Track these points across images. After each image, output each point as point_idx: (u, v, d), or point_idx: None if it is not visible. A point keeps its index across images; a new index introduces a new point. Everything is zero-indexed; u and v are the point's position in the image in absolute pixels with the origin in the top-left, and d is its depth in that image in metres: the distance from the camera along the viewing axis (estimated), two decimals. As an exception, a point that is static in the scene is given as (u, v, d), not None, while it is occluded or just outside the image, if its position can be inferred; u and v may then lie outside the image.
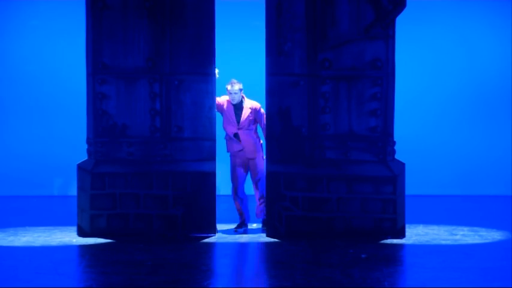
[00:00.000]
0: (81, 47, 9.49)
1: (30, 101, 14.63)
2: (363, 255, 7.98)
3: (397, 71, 9.24)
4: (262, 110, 9.83)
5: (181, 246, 8.63)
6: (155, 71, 9.33)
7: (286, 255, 8.21)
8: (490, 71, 14.53)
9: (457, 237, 9.31)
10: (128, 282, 6.71)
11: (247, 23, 13.91)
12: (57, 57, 14.48)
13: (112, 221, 9.37)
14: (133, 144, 9.37)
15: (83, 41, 9.37)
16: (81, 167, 9.41)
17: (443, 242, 8.94)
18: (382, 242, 8.94)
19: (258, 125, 9.93)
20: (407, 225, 9.45)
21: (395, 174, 9.19)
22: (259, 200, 9.82)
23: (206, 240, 9.13)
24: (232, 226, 9.92)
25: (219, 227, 9.62)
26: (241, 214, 9.90)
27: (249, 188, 10.04)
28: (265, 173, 9.52)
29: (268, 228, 9.32)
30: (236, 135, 9.80)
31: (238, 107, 9.80)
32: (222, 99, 9.78)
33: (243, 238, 9.34)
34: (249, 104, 9.81)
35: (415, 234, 9.49)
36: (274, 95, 9.25)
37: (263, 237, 9.27)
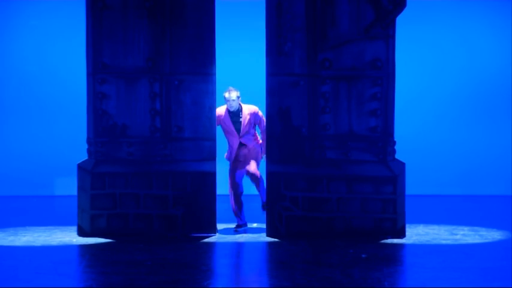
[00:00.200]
0: (81, 47, 9.49)
1: (31, 101, 14.63)
2: (363, 255, 7.99)
3: (397, 71, 9.25)
4: (261, 113, 9.84)
5: (181, 246, 8.63)
6: (155, 71, 9.33)
7: (286, 255, 8.21)
8: (490, 71, 14.53)
9: (458, 237, 9.31)
10: (128, 282, 6.71)
11: (247, 23, 13.90)
12: (57, 57, 14.48)
13: (112, 221, 9.37)
14: (134, 144, 9.37)
15: (83, 41, 9.37)
16: (81, 167, 9.41)
17: (444, 242, 8.94)
18: (382, 242, 8.94)
19: (257, 127, 9.94)
20: (407, 225, 9.44)
21: (395, 174, 9.19)
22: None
23: (206, 240, 9.13)
24: (232, 226, 9.92)
25: (219, 226, 9.62)
26: (238, 216, 9.88)
27: (249, 188, 10.04)
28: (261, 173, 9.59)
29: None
30: (241, 144, 9.81)
31: (236, 115, 9.79)
32: (219, 111, 9.75)
33: (243, 238, 9.34)
34: (247, 110, 9.81)
35: (416, 234, 9.49)
36: (274, 95, 9.25)
37: (263, 237, 9.27)
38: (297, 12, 9.18)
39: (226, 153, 9.95)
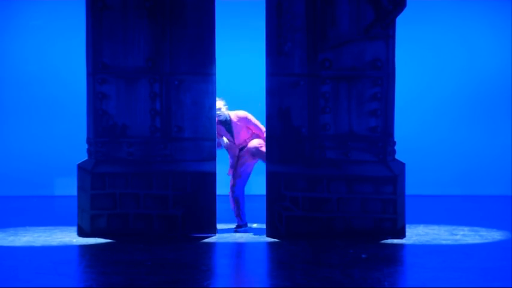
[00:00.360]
0: (82, 47, 9.49)
1: (31, 101, 14.64)
2: (363, 255, 7.99)
3: (397, 71, 9.24)
4: (249, 116, 9.80)
5: (182, 246, 8.63)
6: (155, 71, 9.33)
7: (286, 255, 8.21)
8: (490, 71, 14.53)
9: (458, 237, 9.31)
10: (128, 282, 6.71)
11: (247, 23, 13.91)
12: (58, 57, 14.49)
13: (112, 221, 9.37)
14: (134, 144, 9.37)
15: (83, 41, 9.37)
16: (81, 167, 9.41)
17: (444, 242, 8.94)
18: (383, 242, 8.94)
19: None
20: (407, 225, 9.44)
21: (395, 174, 9.19)
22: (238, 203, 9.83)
23: (206, 240, 9.13)
24: (233, 226, 9.91)
25: (219, 227, 9.62)
26: (238, 216, 9.87)
27: (249, 188, 10.04)
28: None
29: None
30: (242, 149, 9.80)
31: (227, 124, 9.75)
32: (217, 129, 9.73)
33: (243, 238, 9.34)
34: (235, 117, 9.74)
35: (416, 234, 9.49)
36: (274, 95, 9.25)
37: (263, 237, 9.27)
38: (297, 12, 9.18)
39: (228, 171, 9.89)
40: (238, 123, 9.77)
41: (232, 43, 13.63)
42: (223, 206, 10.19)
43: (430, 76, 14.59)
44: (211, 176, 9.35)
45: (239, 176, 9.80)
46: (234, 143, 9.79)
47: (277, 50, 9.22)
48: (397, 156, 9.29)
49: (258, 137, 9.83)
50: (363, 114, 9.19)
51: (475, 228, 10.00)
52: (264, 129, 9.72)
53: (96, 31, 9.29)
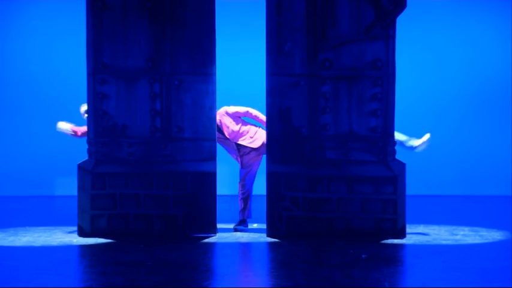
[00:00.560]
0: (82, 47, 9.49)
1: (31, 101, 14.64)
2: (363, 256, 7.98)
3: (398, 71, 9.24)
4: (230, 109, 9.75)
5: (182, 247, 8.63)
6: (155, 71, 9.33)
7: (286, 255, 8.21)
8: (491, 71, 14.54)
9: (458, 237, 9.31)
10: (128, 283, 6.71)
11: (247, 22, 13.91)
12: (58, 57, 14.49)
13: (112, 221, 9.37)
14: (134, 145, 9.37)
15: (83, 41, 9.37)
16: (81, 167, 9.41)
17: (444, 242, 8.94)
18: (383, 242, 8.94)
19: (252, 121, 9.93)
20: (407, 225, 9.44)
21: (395, 174, 9.19)
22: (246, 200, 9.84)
23: (206, 240, 9.13)
24: (233, 226, 9.91)
25: (219, 227, 9.62)
26: (242, 211, 9.89)
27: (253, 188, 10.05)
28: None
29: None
30: (238, 146, 9.80)
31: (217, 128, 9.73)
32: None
33: (244, 238, 9.34)
34: (218, 117, 9.70)
35: (416, 234, 9.48)
36: (274, 95, 9.25)
37: (263, 238, 9.27)
38: (297, 12, 9.18)
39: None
40: (222, 120, 9.75)
41: (232, 43, 13.62)
42: (224, 206, 10.19)
43: (430, 76, 14.59)
44: (212, 176, 9.35)
45: (247, 173, 9.82)
46: (229, 139, 9.78)
47: (277, 50, 9.22)
48: (397, 157, 9.29)
49: (251, 126, 9.80)
50: (363, 114, 9.19)
51: (475, 228, 10.00)
52: (246, 109, 9.69)
53: (96, 31, 9.29)
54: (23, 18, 14.61)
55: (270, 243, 8.94)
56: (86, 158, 9.45)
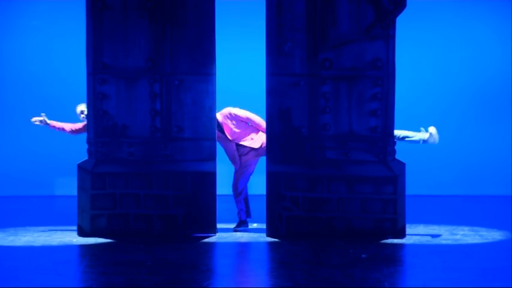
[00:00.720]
0: (82, 47, 9.49)
1: (31, 101, 14.63)
2: (363, 256, 7.98)
3: (398, 71, 9.24)
4: (233, 110, 9.74)
5: (182, 247, 8.63)
6: (155, 71, 9.33)
7: (286, 255, 8.21)
8: (491, 71, 14.53)
9: (458, 237, 9.31)
10: (128, 283, 6.71)
11: (247, 22, 13.91)
12: (58, 57, 14.49)
13: (112, 221, 9.37)
14: (134, 145, 9.37)
15: (83, 41, 9.37)
16: (81, 167, 9.41)
17: (444, 242, 8.94)
18: (383, 242, 8.94)
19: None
20: (407, 225, 9.44)
21: (395, 174, 9.19)
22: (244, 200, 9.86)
23: (206, 240, 9.13)
24: (233, 226, 9.91)
25: (219, 226, 9.61)
26: (245, 212, 9.89)
27: (251, 188, 10.04)
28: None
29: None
30: (238, 146, 9.79)
31: (218, 126, 9.71)
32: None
33: (244, 238, 9.34)
34: (220, 117, 9.71)
35: (416, 234, 9.48)
36: (274, 95, 9.25)
37: (263, 237, 9.27)
38: (297, 12, 9.18)
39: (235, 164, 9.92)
40: (225, 121, 9.75)
41: (232, 43, 13.61)
42: (224, 206, 10.19)
43: (430, 76, 14.59)
44: (212, 176, 9.35)
45: (242, 174, 9.81)
46: (230, 140, 9.76)
47: (277, 50, 9.21)
48: (397, 157, 9.29)
49: (253, 130, 9.80)
50: (363, 114, 9.19)
51: (475, 228, 9.99)
52: (247, 115, 9.69)
53: (96, 31, 9.29)
54: (23, 18, 14.61)
55: (270, 243, 8.94)
56: (86, 158, 9.45)
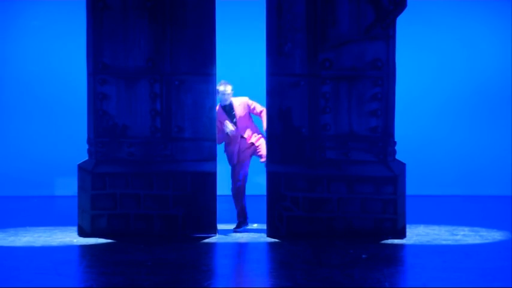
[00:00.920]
0: (82, 47, 9.49)
1: (31, 101, 14.63)
2: (363, 256, 7.99)
3: (398, 71, 9.24)
4: (251, 101, 9.83)
5: (182, 247, 8.64)
6: (156, 71, 9.33)
7: (286, 255, 8.21)
8: (490, 71, 14.53)
9: (458, 237, 9.31)
10: (129, 283, 6.71)
11: (247, 23, 13.90)
12: (58, 57, 14.49)
13: (112, 221, 9.37)
14: (134, 145, 9.37)
15: (84, 41, 9.37)
16: (81, 167, 9.41)
17: (444, 242, 8.94)
18: (383, 242, 8.94)
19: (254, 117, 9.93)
20: (407, 226, 9.44)
21: (396, 174, 9.20)
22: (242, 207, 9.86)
23: (207, 240, 9.13)
24: (233, 226, 9.91)
25: (219, 227, 9.61)
26: (242, 213, 9.89)
27: (249, 188, 10.04)
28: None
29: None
30: (242, 138, 9.78)
31: (230, 109, 9.77)
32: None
33: (244, 238, 9.34)
34: (237, 102, 9.80)
35: (416, 234, 9.49)
36: (274, 95, 9.25)
37: (263, 238, 9.27)
38: (297, 12, 9.18)
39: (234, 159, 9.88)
40: (240, 107, 9.76)
41: (232, 43, 13.62)
42: (224, 206, 10.19)
43: (430, 76, 14.59)
44: (212, 176, 9.35)
45: (239, 171, 9.81)
46: (237, 128, 9.75)
47: (277, 50, 9.22)
48: (397, 157, 9.29)
49: (256, 130, 9.83)
50: (363, 114, 9.19)
51: (476, 228, 10.00)
52: (262, 108, 9.74)
53: (97, 31, 9.30)
54: (24, 19, 14.61)
55: (270, 243, 8.94)
56: (86, 158, 9.45)
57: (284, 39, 9.20)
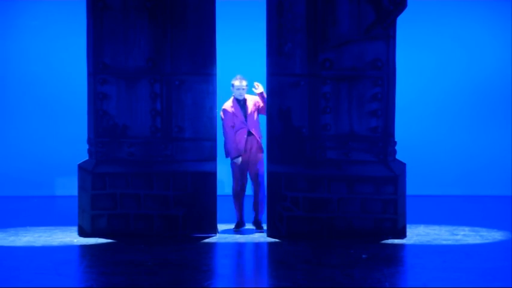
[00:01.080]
0: (82, 47, 9.49)
1: (32, 101, 14.63)
2: (363, 256, 7.99)
3: (398, 71, 9.24)
4: (259, 100, 9.83)
5: (182, 247, 8.64)
6: (156, 71, 9.33)
7: (287, 255, 8.21)
8: (490, 71, 14.52)
9: (458, 237, 9.31)
10: (129, 283, 6.72)
11: (247, 23, 13.90)
12: (59, 57, 14.48)
13: (113, 221, 9.37)
14: (134, 145, 9.38)
15: (84, 41, 9.37)
16: (82, 167, 9.41)
17: (444, 242, 8.94)
18: (383, 242, 8.94)
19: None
20: (408, 226, 9.44)
21: (396, 174, 9.20)
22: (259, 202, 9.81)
23: (207, 240, 9.13)
24: (233, 226, 9.90)
25: (220, 227, 9.62)
26: (240, 214, 9.89)
27: (248, 189, 10.03)
28: (265, 176, 9.56)
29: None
30: (249, 134, 9.75)
31: (243, 103, 9.77)
32: (227, 105, 9.70)
33: (244, 238, 9.34)
34: (250, 98, 9.79)
35: (416, 234, 9.49)
36: (275, 95, 9.26)
37: (264, 238, 9.27)
38: (297, 12, 9.18)
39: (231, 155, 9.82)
40: (252, 103, 9.72)
41: (232, 43, 13.61)
42: (224, 206, 10.19)
43: (430, 76, 14.58)
44: (212, 176, 9.36)
45: (260, 175, 9.78)
46: (247, 123, 9.71)
47: (277, 51, 9.22)
48: (397, 157, 9.29)
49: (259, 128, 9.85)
50: (364, 114, 9.19)
51: (476, 228, 9.99)
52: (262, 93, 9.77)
53: (97, 31, 9.30)
54: (24, 19, 14.61)
55: (270, 243, 8.94)
56: (86, 158, 9.45)
57: (284, 39, 9.20)
